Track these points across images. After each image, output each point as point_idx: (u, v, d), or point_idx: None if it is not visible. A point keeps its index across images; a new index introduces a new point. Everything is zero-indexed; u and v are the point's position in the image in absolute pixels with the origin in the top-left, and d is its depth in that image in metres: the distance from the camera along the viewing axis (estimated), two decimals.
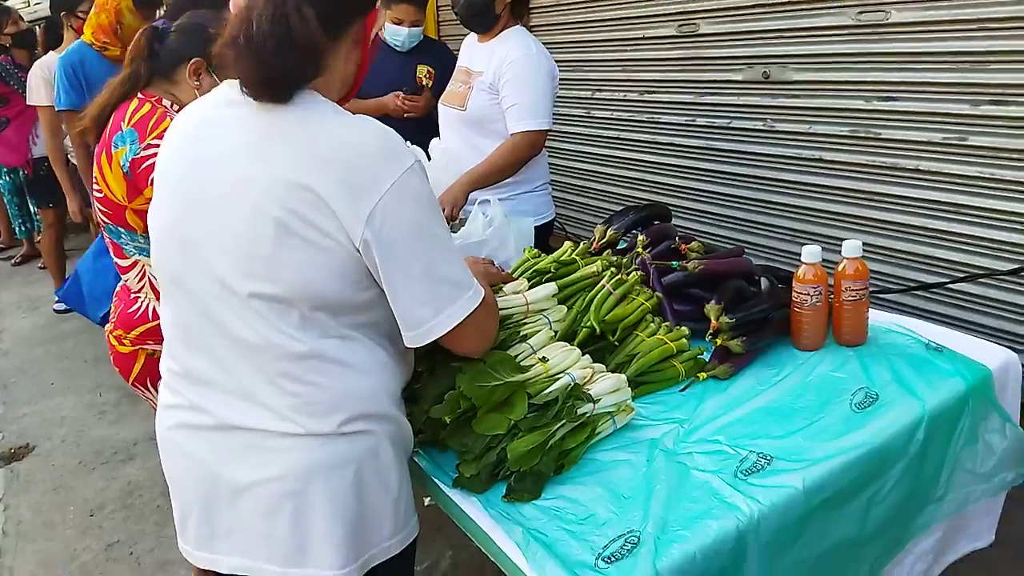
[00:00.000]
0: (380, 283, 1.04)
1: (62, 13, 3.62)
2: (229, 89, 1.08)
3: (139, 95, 1.69)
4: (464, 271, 1.10)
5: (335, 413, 1.05)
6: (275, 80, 0.99)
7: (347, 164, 0.99)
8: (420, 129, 2.49)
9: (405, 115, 2.75)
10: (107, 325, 1.82)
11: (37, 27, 7.33)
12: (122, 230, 1.67)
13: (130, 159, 1.60)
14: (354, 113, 1.05)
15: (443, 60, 2.97)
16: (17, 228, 5.25)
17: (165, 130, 1.44)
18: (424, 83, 2.86)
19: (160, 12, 3.11)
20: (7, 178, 4.79)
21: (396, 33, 2.69)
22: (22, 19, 4.84)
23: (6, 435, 3.32)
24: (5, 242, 5.99)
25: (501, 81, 2.25)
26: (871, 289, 2.09)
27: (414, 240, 1.02)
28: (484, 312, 1.12)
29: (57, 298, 4.43)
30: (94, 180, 1.69)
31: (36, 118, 4.41)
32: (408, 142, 1.09)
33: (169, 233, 1.10)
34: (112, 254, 1.76)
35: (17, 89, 4.46)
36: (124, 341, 1.75)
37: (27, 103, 4.05)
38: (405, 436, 1.18)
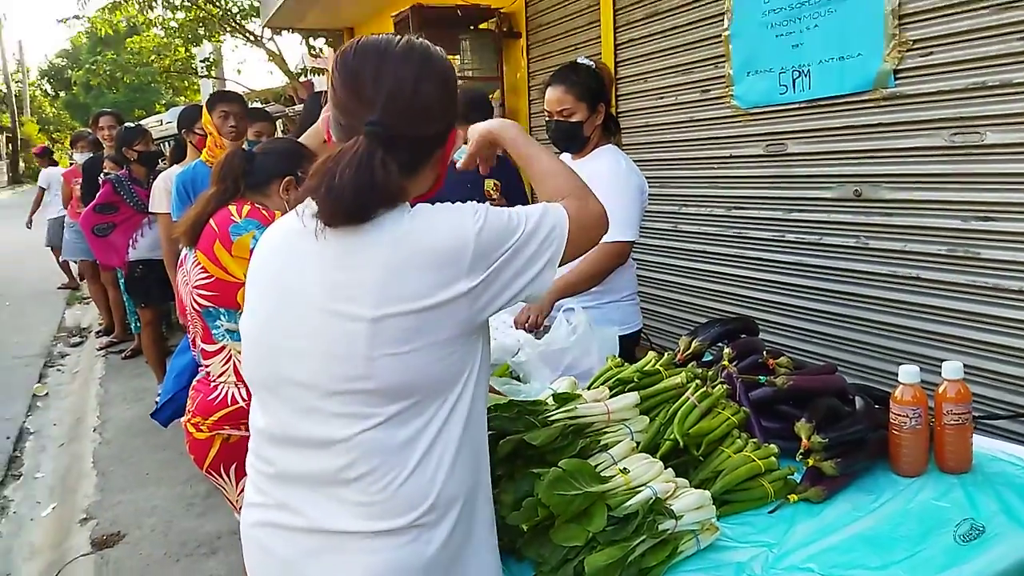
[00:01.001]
0: (490, 312, 1.09)
1: (183, 131, 4.01)
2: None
3: (230, 205, 1.91)
4: (538, 211, 1.16)
5: (415, 509, 1.05)
6: (352, 216, 1.04)
7: (432, 244, 1.05)
8: None
9: None
10: (184, 416, 1.95)
11: (168, 144, 8.12)
12: (222, 311, 1.84)
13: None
14: None
15: (508, 173, 3.14)
16: (132, 324, 5.67)
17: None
18: (492, 196, 3.01)
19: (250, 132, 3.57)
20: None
21: (461, 151, 2.84)
22: (153, 141, 5.39)
23: (100, 522, 3.44)
24: (119, 336, 6.41)
25: None
26: (977, 414, 1.98)
27: (506, 251, 1.09)
28: (575, 225, 1.18)
29: (159, 390, 4.69)
30: (200, 269, 1.87)
31: (138, 226, 4.90)
32: None
33: (258, 337, 1.15)
34: (200, 341, 1.92)
35: (127, 200, 4.96)
36: (202, 427, 1.87)
37: (148, 211, 4.46)
38: (488, 536, 1.15)
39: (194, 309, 1.90)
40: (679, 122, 3.64)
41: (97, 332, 7.00)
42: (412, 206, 1.12)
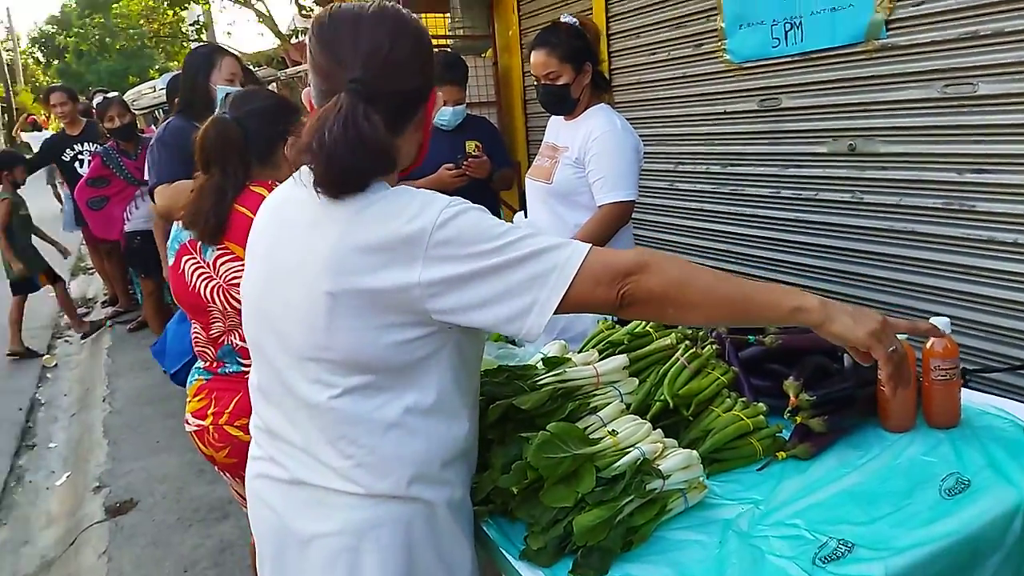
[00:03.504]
0: (455, 323, 1.06)
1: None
2: (305, 171, 1.15)
3: (253, 187, 1.72)
4: (545, 244, 1.04)
5: (389, 476, 1.10)
6: (348, 180, 1.05)
7: (389, 226, 1.03)
8: (475, 199, 2.59)
9: (467, 173, 2.91)
10: (223, 419, 1.82)
11: (161, 111, 8.03)
12: None
13: None
14: None
15: (488, 134, 3.15)
16: (137, 295, 5.74)
17: None
18: (476, 156, 3.02)
19: None
20: None
21: (442, 113, 2.84)
22: (129, 112, 5.31)
23: (113, 490, 3.52)
24: (124, 306, 6.45)
25: (587, 156, 2.32)
26: (971, 367, 2.00)
27: (477, 259, 1.02)
28: (598, 263, 1.04)
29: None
30: (237, 260, 1.70)
31: (132, 197, 4.91)
32: None
33: (253, 303, 1.22)
34: (237, 340, 1.79)
35: (116, 172, 4.95)
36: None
37: (139, 182, 4.48)
38: (462, 502, 1.20)
39: (232, 308, 1.74)
40: (672, 78, 3.60)
41: (103, 303, 7.05)
42: (400, 181, 1.13)
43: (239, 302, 1.72)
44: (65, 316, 6.36)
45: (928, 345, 1.49)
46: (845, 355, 1.63)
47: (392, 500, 1.11)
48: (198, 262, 1.79)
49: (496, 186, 3.25)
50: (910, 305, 2.60)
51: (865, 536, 1.17)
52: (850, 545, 1.15)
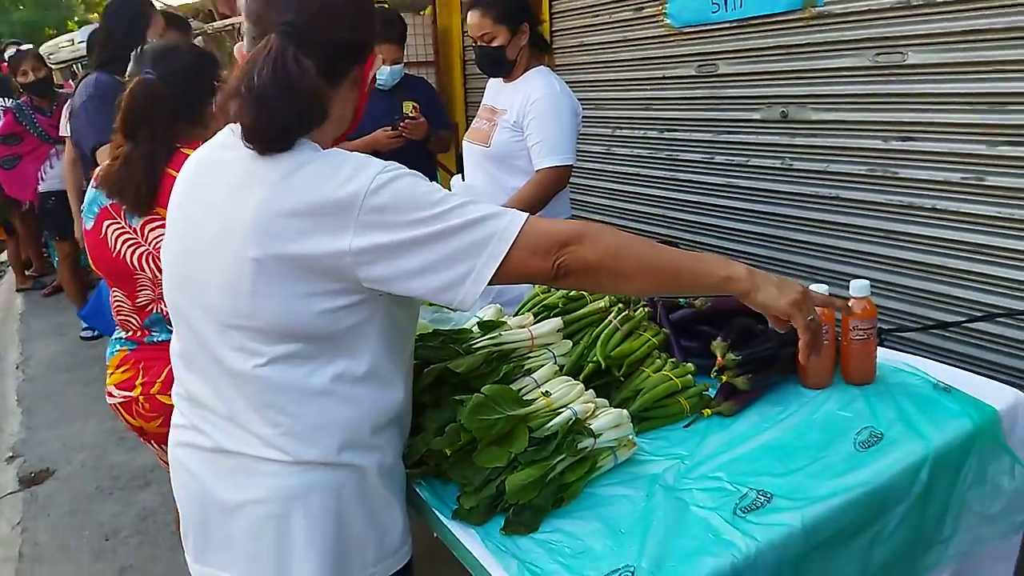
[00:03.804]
0: (387, 291, 1.04)
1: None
2: (229, 132, 1.12)
3: (183, 149, 1.65)
4: (482, 213, 1.02)
5: (317, 443, 1.08)
6: (277, 130, 1.01)
7: (320, 190, 1.00)
8: (411, 161, 2.55)
9: (404, 135, 2.85)
10: (154, 389, 1.77)
11: (80, 66, 7.61)
12: None
13: None
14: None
15: (426, 94, 3.11)
16: (51, 258, 5.50)
17: None
18: (413, 117, 2.97)
19: None
20: None
21: (380, 72, 2.79)
22: (45, 66, 5.02)
23: (28, 459, 3.40)
24: (39, 270, 6.18)
25: (526, 119, 2.30)
26: (887, 327, 2.08)
27: (410, 227, 1.00)
28: (534, 233, 1.03)
29: (84, 324, 4.59)
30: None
31: (46, 156, 4.69)
32: None
33: (173, 267, 1.17)
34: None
35: (29, 130, 4.71)
36: None
37: (54, 140, 4.27)
38: (393, 467, 1.20)
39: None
40: (613, 42, 3.60)
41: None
42: (334, 145, 1.11)
43: None
44: None
45: (848, 306, 1.54)
46: None
47: (322, 467, 1.09)
48: (123, 227, 1.71)
49: (433, 148, 3.21)
50: (833, 268, 2.70)
51: (783, 487, 1.22)
52: (769, 496, 1.20)
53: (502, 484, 1.19)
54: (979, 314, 2.30)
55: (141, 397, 1.78)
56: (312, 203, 0.99)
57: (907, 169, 2.44)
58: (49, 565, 2.64)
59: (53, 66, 7.64)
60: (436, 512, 1.25)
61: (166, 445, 1.90)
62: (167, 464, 1.91)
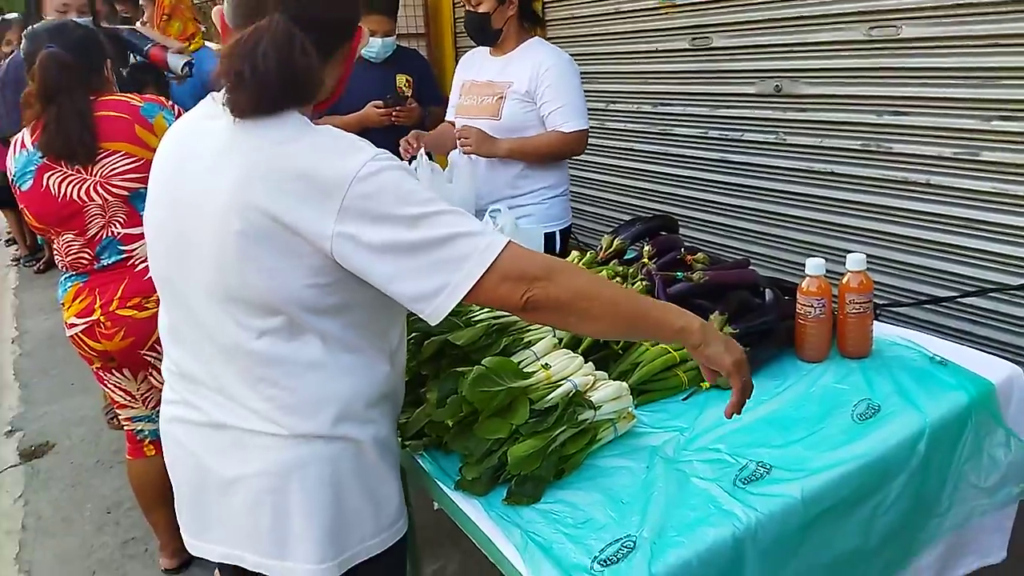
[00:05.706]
0: (365, 279, 1.02)
1: None
2: (211, 102, 1.11)
3: (101, 98, 1.87)
4: (464, 228, 1.01)
5: (312, 416, 1.07)
6: (275, 109, 1.01)
7: (311, 160, 0.99)
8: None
9: (396, 123, 2.79)
10: (113, 306, 1.93)
11: None
12: None
13: (175, 114, 1.90)
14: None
15: (420, 68, 3.04)
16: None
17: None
18: (405, 92, 2.91)
19: None
20: None
21: (370, 45, 2.71)
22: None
23: (27, 433, 3.39)
24: (31, 247, 6.11)
25: (540, 87, 2.29)
26: (882, 302, 2.10)
27: (391, 226, 0.98)
28: (510, 260, 1.01)
29: None
30: (123, 156, 1.85)
31: None
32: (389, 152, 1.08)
33: (157, 237, 1.15)
34: (121, 228, 1.91)
35: None
36: (147, 305, 1.91)
37: None
38: (388, 440, 1.19)
39: (115, 196, 1.88)
40: (607, 14, 3.56)
41: (7, 241, 6.66)
42: (321, 115, 1.09)
43: (125, 190, 1.88)
44: None
45: (844, 280, 1.55)
46: (767, 290, 1.69)
47: (318, 440, 1.08)
48: (64, 172, 1.87)
49: (428, 126, 3.16)
50: (827, 244, 2.71)
51: (782, 459, 1.24)
52: (768, 467, 1.22)
53: (504, 455, 1.20)
54: (972, 289, 2.32)
55: (102, 317, 1.93)
56: (303, 169, 0.98)
57: (901, 144, 2.44)
58: (53, 537, 2.65)
59: None
60: (438, 483, 1.26)
61: (136, 368, 2.01)
62: (125, 391, 2.00)
